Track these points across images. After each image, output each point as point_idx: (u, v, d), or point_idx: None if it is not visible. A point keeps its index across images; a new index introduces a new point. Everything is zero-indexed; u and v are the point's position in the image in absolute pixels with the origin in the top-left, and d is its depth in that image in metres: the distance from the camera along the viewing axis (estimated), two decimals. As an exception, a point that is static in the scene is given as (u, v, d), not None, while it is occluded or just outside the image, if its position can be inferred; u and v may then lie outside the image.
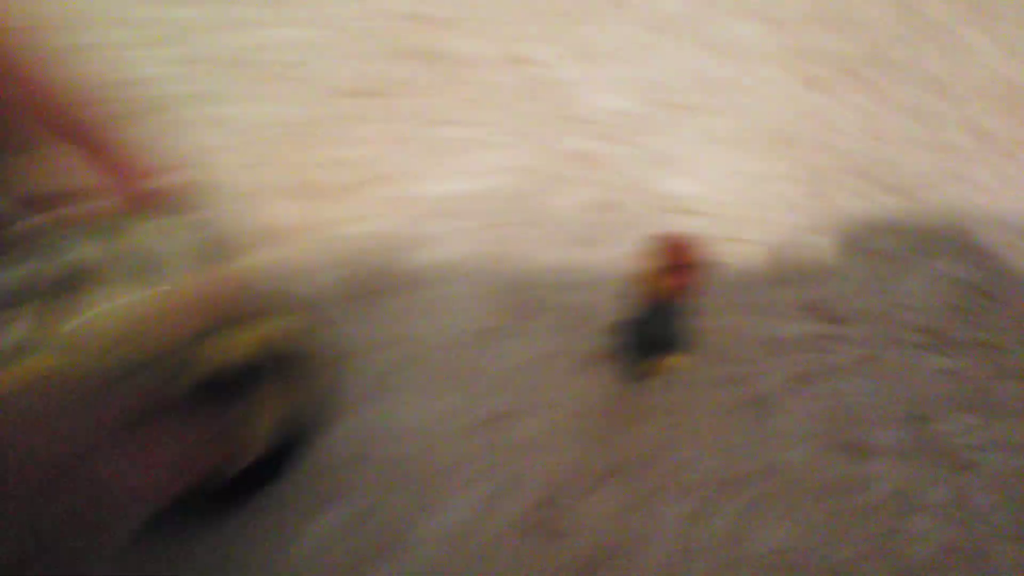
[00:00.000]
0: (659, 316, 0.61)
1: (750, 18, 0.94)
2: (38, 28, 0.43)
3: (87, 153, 0.44)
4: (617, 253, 0.75)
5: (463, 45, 0.88)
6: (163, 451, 0.45)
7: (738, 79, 0.86)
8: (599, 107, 0.83)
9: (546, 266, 0.75)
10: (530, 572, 0.60)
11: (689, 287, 0.58)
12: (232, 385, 0.55)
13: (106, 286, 0.40)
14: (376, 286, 0.73)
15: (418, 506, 0.62)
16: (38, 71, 0.43)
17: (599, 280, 0.75)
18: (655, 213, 0.78)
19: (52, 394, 0.34)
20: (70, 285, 0.40)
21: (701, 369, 0.70)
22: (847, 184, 0.82)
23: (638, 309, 0.65)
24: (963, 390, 0.70)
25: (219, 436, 0.49)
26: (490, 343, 0.70)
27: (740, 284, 0.73)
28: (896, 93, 0.88)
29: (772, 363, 0.70)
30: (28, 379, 0.38)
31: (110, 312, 0.39)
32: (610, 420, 0.67)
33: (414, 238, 0.75)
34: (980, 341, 0.73)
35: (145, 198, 0.45)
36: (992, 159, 0.86)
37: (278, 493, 0.61)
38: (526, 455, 0.64)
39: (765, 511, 0.63)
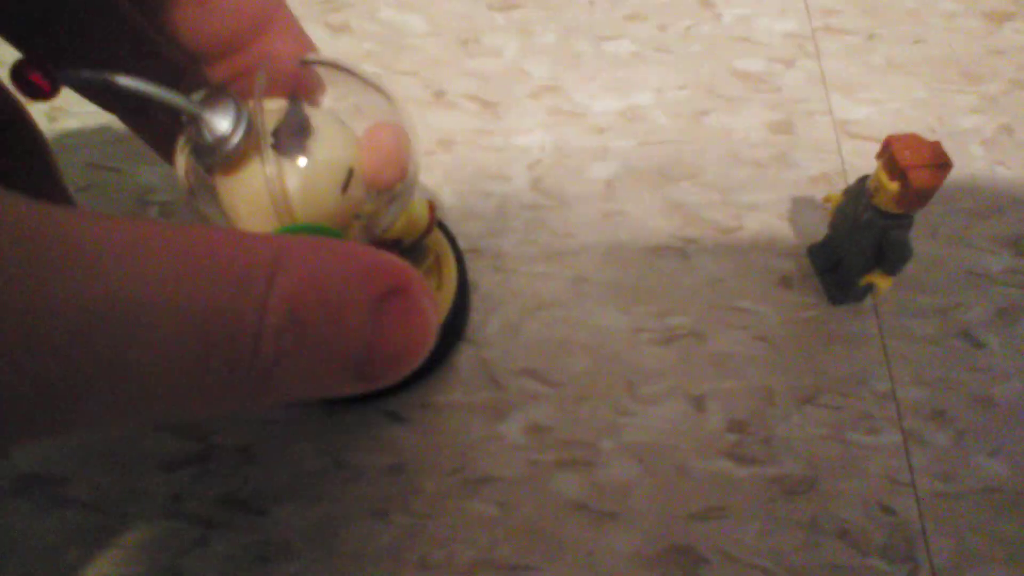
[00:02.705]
0: (875, 230, 0.57)
1: None
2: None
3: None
4: (799, 175, 0.71)
5: None
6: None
7: (917, 9, 0.80)
8: (769, 29, 0.78)
9: (730, 182, 0.71)
10: (724, 495, 0.56)
11: (925, 193, 0.53)
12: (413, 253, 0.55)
13: (318, 135, 0.38)
14: (558, 194, 0.69)
15: (609, 416, 0.58)
16: None
17: (790, 198, 0.70)
18: (835, 138, 0.73)
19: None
20: (297, 129, 0.38)
21: (905, 297, 0.65)
22: None
23: (843, 226, 0.60)
24: None
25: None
26: (674, 259, 0.66)
27: (933, 215, 0.68)
28: None
29: (976, 296, 0.65)
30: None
31: (326, 160, 0.38)
32: (808, 343, 0.62)
33: (585, 151, 0.71)
34: None
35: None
36: None
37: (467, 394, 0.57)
38: (729, 370, 0.60)
39: (975, 446, 0.58)
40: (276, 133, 0.35)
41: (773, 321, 0.64)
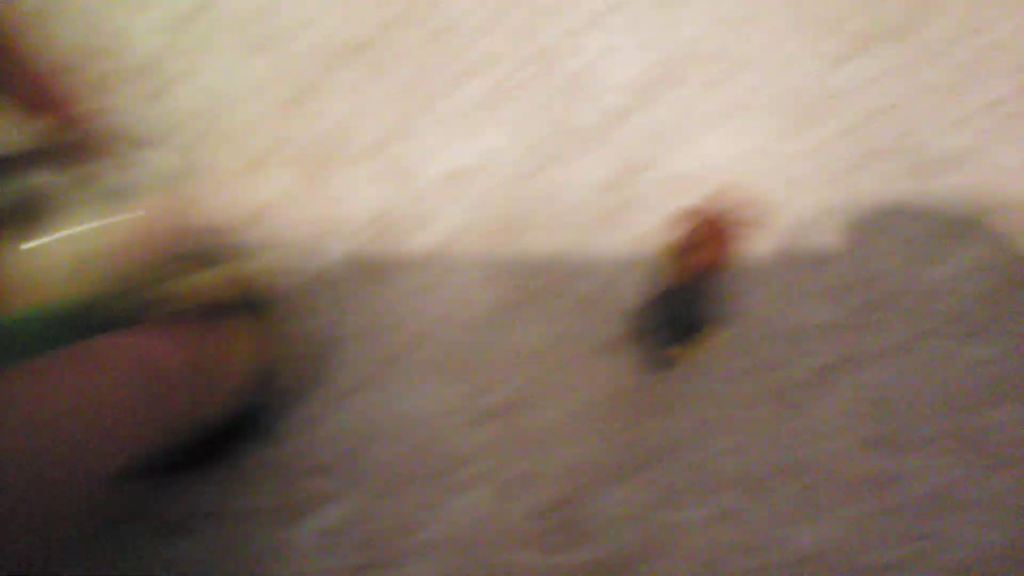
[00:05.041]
0: (685, 297, 0.55)
1: None
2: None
3: (47, 99, 0.43)
4: (632, 234, 0.69)
5: (459, 14, 0.81)
6: (134, 388, 0.41)
7: (759, 54, 0.80)
8: (610, 80, 0.76)
9: (556, 246, 0.69)
10: None
11: (719, 264, 0.51)
12: (201, 321, 0.52)
13: (67, 213, 0.38)
14: (378, 265, 0.66)
15: (425, 505, 0.55)
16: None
17: (614, 261, 0.68)
18: (671, 192, 0.71)
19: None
20: (30, 209, 0.37)
21: (726, 358, 0.63)
22: (871, 167, 0.77)
23: (662, 290, 0.58)
24: (1001, 381, 0.65)
25: (192, 371, 0.45)
26: (500, 327, 0.63)
27: (763, 269, 0.67)
28: (922, 72, 0.82)
29: (800, 352, 0.64)
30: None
31: (72, 238, 0.37)
32: (631, 411, 0.60)
33: (417, 216, 0.68)
34: (1014, 331, 0.68)
35: (103, 138, 0.43)
36: (1017, 140, 0.81)
37: (270, 490, 0.54)
38: (541, 448, 0.58)
39: (796, 511, 0.57)
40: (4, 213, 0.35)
41: (593, 392, 0.61)
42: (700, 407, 0.61)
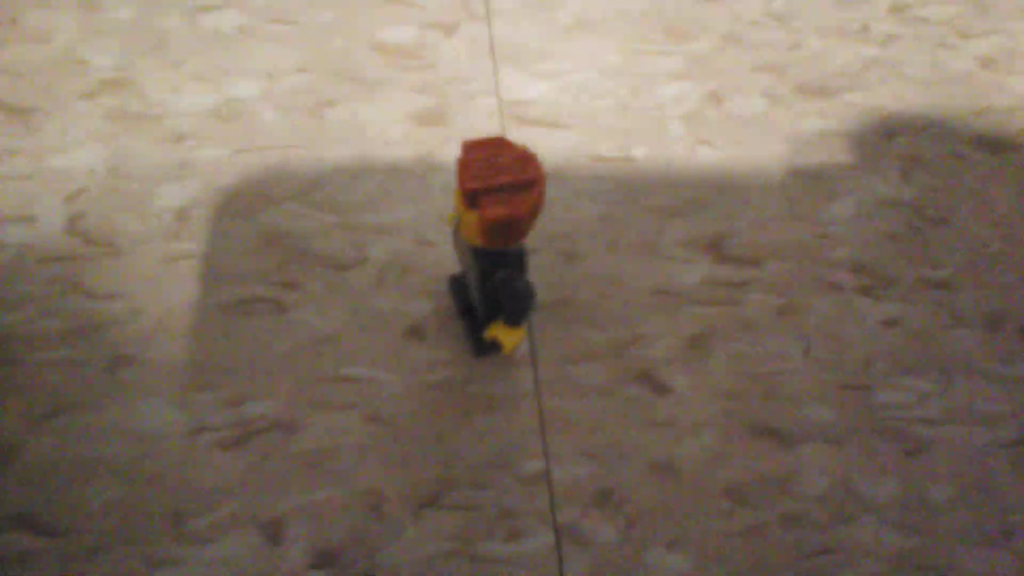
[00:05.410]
0: (490, 262, 0.39)
1: None
2: None
3: None
4: (450, 180, 0.53)
5: None
6: None
7: None
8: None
9: (350, 201, 0.52)
10: None
11: (516, 222, 0.36)
12: None
13: None
14: (90, 243, 0.48)
15: (163, 561, 0.39)
16: None
17: (429, 215, 0.52)
18: (501, 124, 0.55)
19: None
20: None
21: (574, 334, 0.49)
22: (755, 84, 0.61)
23: (464, 261, 0.43)
24: (910, 346, 0.51)
25: None
26: (265, 316, 0.47)
27: (618, 216, 0.51)
28: None
29: (664, 322, 0.49)
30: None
31: None
32: (439, 417, 0.45)
33: (155, 169, 0.50)
34: (927, 280, 0.55)
35: None
36: (928, 48, 0.66)
37: None
38: (308, 481, 0.42)
39: (650, 536, 0.43)
40: None
41: (395, 390, 0.46)
42: (542, 398, 0.46)
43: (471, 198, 0.35)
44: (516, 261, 0.39)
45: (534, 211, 0.37)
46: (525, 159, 0.37)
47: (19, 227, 0.48)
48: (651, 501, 0.45)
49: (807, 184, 0.57)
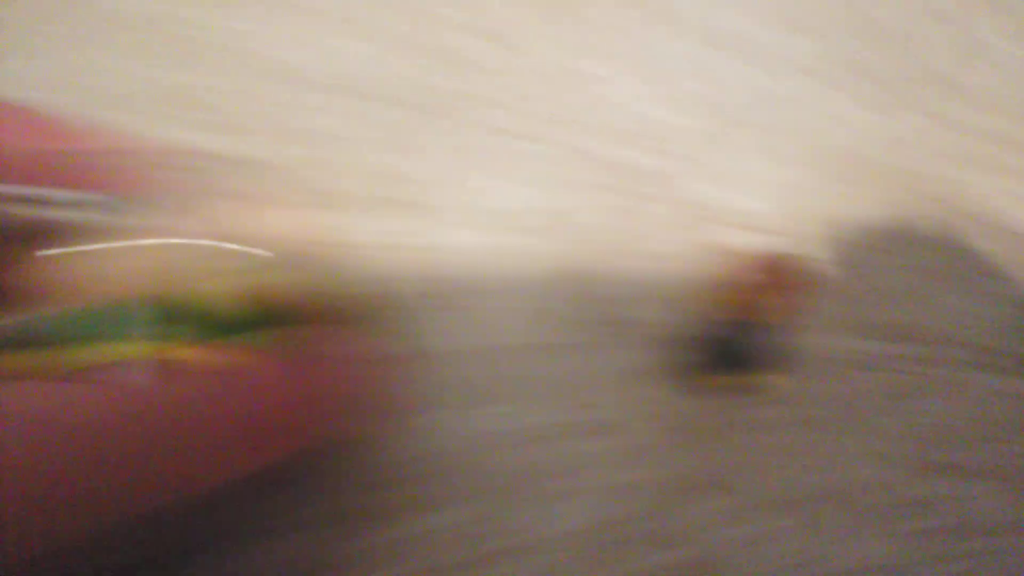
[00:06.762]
0: (746, 333, 0.62)
1: (801, 34, 0.97)
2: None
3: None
4: (681, 268, 0.78)
5: (519, 59, 0.95)
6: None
7: (790, 95, 0.88)
8: (657, 121, 0.87)
9: (613, 280, 0.78)
10: None
11: (786, 307, 0.59)
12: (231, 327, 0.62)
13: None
14: (448, 296, 0.78)
15: (534, 510, 0.63)
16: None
17: (670, 294, 0.77)
18: (718, 229, 0.80)
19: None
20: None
21: (800, 387, 0.70)
22: (906, 202, 0.82)
23: (722, 325, 0.66)
24: None
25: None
26: (563, 355, 0.72)
27: (822, 306, 0.73)
28: (947, 110, 0.88)
29: (866, 382, 0.69)
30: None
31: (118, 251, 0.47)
32: (701, 435, 0.67)
33: (477, 250, 0.79)
34: None
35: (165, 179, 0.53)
36: None
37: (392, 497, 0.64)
38: (627, 466, 0.65)
39: (867, 528, 0.62)
40: (127, 212, 0.46)
41: (684, 412, 0.69)
42: (784, 429, 0.67)
43: (737, 285, 0.59)
44: (773, 329, 0.62)
45: (788, 306, 0.60)
46: (783, 270, 0.60)
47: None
48: (845, 509, 0.64)
49: None
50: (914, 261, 0.75)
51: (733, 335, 0.59)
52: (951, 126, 0.88)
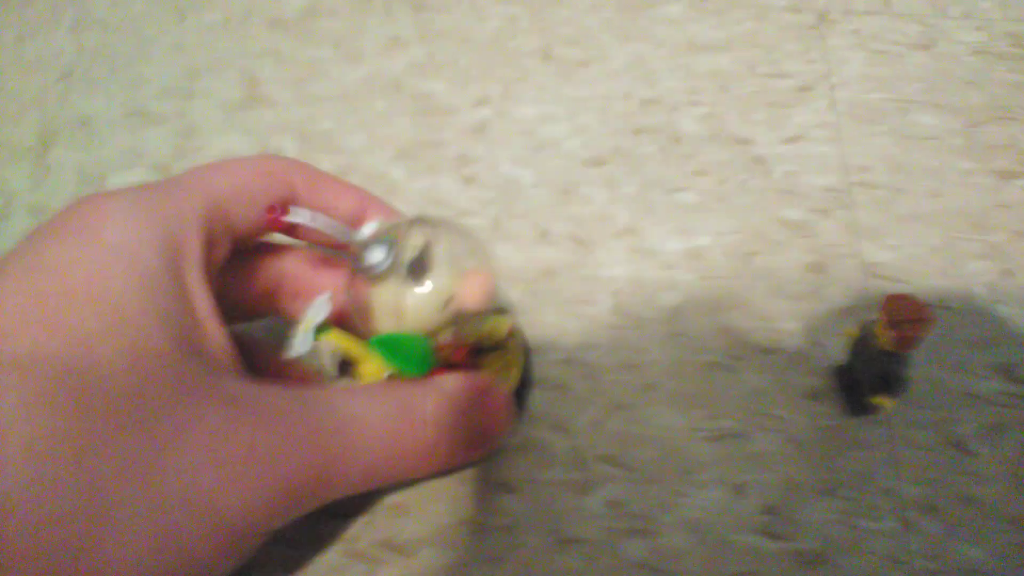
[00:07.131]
0: (879, 363, 0.77)
1: (936, 111, 1.09)
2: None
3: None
4: (830, 308, 0.91)
5: (689, 124, 1.07)
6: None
7: (930, 165, 1.01)
8: (807, 183, 0.99)
9: (768, 314, 0.92)
10: (757, 563, 0.76)
11: (913, 340, 0.73)
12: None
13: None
14: (626, 319, 0.92)
15: (669, 497, 0.79)
16: None
17: (817, 328, 0.91)
18: (861, 278, 0.93)
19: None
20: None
21: (906, 412, 0.84)
22: None
23: (859, 355, 0.80)
24: None
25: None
26: (723, 373, 0.87)
27: (939, 344, 0.87)
28: None
29: (967, 412, 0.83)
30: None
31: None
32: (829, 447, 0.82)
33: (656, 282, 0.93)
34: None
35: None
36: None
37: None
38: (754, 468, 0.80)
39: (960, 535, 0.76)
40: (409, 266, 0.56)
41: (802, 427, 0.83)
42: (882, 448, 0.82)
43: (894, 325, 0.73)
44: (906, 360, 0.76)
45: (921, 339, 0.74)
46: (922, 308, 0.74)
47: (589, 307, 0.92)
48: (962, 517, 0.78)
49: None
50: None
51: (869, 364, 0.67)
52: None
